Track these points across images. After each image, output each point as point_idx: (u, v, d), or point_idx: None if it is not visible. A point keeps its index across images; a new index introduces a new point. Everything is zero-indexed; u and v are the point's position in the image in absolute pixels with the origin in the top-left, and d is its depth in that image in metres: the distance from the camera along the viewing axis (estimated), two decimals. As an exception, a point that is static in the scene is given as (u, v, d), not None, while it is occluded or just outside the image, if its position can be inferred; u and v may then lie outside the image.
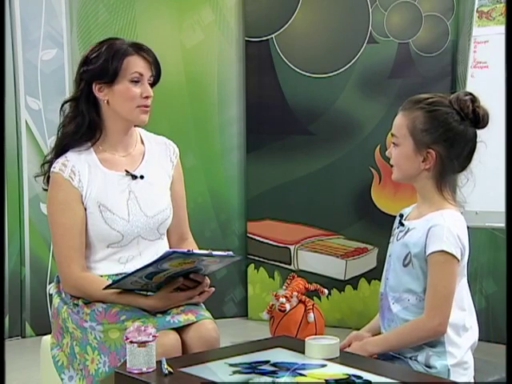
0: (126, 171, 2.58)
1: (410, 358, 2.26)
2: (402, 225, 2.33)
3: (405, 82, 4.44)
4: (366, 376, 2.00)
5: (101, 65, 2.53)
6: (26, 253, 4.56)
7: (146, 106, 2.55)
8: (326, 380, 1.97)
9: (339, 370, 2.04)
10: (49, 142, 4.54)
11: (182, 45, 4.83)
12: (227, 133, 4.95)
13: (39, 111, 4.53)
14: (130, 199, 2.56)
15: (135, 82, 2.53)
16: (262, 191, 4.87)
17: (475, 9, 4.02)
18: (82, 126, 2.57)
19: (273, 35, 4.77)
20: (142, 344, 2.09)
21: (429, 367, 2.23)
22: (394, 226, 2.39)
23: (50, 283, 4.54)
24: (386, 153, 2.36)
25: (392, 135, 2.32)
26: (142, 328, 2.12)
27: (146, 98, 2.54)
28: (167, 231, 2.68)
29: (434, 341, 2.23)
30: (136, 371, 2.07)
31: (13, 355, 4.02)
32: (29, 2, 4.47)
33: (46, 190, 2.62)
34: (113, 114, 2.56)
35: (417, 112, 2.28)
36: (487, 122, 2.30)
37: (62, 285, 2.57)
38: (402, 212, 2.41)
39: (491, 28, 3.93)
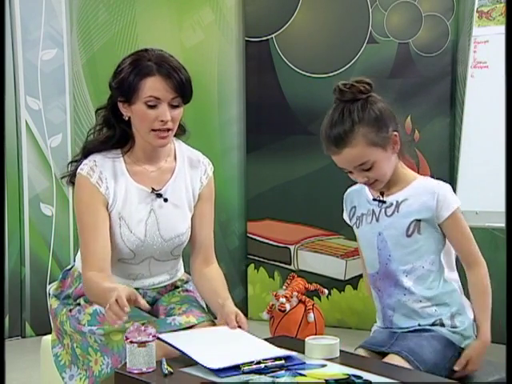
0: (152, 189, 2.51)
1: (434, 325, 2.31)
2: (383, 202, 2.34)
3: (405, 82, 4.44)
4: (366, 376, 2.00)
5: (120, 82, 2.43)
6: (26, 253, 4.56)
7: (163, 131, 2.43)
8: (326, 380, 1.97)
9: (339, 370, 2.04)
10: (49, 142, 4.55)
11: (182, 45, 4.83)
12: (227, 133, 4.95)
13: (39, 111, 4.53)
14: (150, 218, 2.49)
15: (151, 105, 2.41)
16: (262, 191, 4.87)
17: (475, 9, 4.02)
18: (113, 138, 2.51)
19: (273, 35, 4.77)
20: (142, 344, 2.09)
21: (455, 327, 2.31)
22: (367, 207, 2.39)
23: (50, 283, 4.54)
24: (359, 180, 2.33)
25: (358, 166, 2.28)
26: (142, 328, 2.12)
27: (163, 122, 2.42)
28: (191, 253, 2.61)
29: (449, 300, 2.34)
30: (136, 371, 2.07)
31: (13, 355, 4.02)
32: (29, 1, 4.47)
33: (72, 183, 2.55)
34: (136, 130, 2.50)
35: (358, 130, 2.27)
36: (371, 82, 2.35)
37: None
38: (350, 194, 2.47)
39: (491, 28, 3.93)
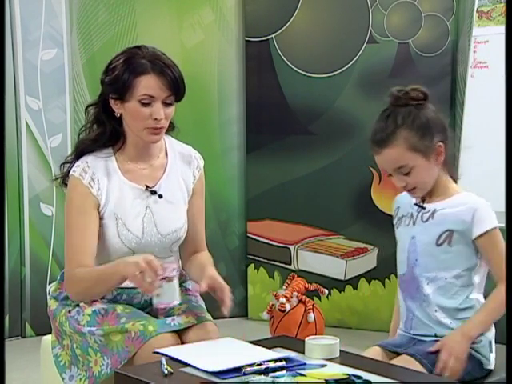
0: (146, 186, 2.52)
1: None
2: (423, 208, 2.36)
3: (405, 82, 4.36)
4: (366, 376, 2.00)
5: (114, 79, 2.45)
6: (26, 253, 4.56)
7: (155, 128, 2.45)
8: (326, 380, 1.97)
9: (339, 370, 2.04)
10: (49, 142, 4.55)
11: (182, 45, 4.83)
12: (227, 133, 4.95)
13: (39, 111, 4.53)
14: (146, 216, 2.50)
15: (145, 103, 2.43)
16: (262, 191, 4.87)
17: (475, 9, 4.02)
18: (104, 135, 2.52)
19: (273, 35, 4.77)
20: (170, 279, 2.17)
21: (474, 343, 2.30)
22: (408, 210, 2.41)
23: (50, 283, 4.54)
24: (397, 185, 2.34)
25: (397, 169, 2.31)
26: (165, 265, 2.22)
27: (156, 120, 2.44)
28: (183, 245, 2.62)
29: (466, 317, 2.32)
30: (163, 306, 2.25)
31: (13, 355, 4.02)
32: (29, 1, 4.47)
33: (65, 184, 2.56)
34: (128, 127, 2.51)
35: (400, 132, 2.29)
36: (426, 92, 2.36)
37: (68, 294, 2.52)
38: (400, 196, 2.47)
39: (491, 28, 3.93)
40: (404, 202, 2.45)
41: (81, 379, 2.46)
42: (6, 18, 4.32)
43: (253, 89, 4.87)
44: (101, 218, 2.48)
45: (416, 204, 2.39)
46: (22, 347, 4.36)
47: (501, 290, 2.29)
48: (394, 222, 2.48)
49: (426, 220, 2.36)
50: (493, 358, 2.36)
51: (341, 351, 2.20)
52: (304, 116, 4.72)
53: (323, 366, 2.09)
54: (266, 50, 4.78)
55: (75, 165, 2.51)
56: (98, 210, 2.48)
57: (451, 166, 2.40)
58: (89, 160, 2.51)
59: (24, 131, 4.50)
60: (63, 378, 2.51)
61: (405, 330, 2.41)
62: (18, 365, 3.97)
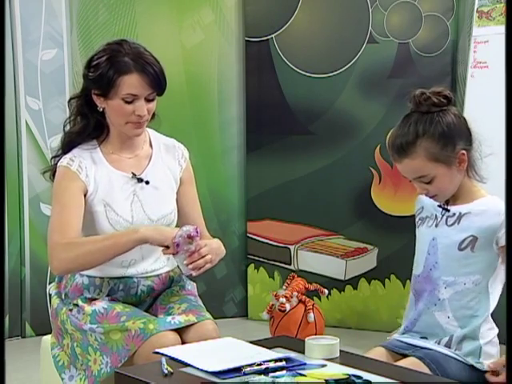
0: (133, 174, 2.57)
1: (439, 343, 2.29)
2: (447, 210, 2.33)
3: (405, 82, 4.44)
4: (366, 376, 2.00)
5: (97, 77, 2.49)
6: (26, 253, 4.56)
7: (138, 123, 2.51)
8: (326, 380, 1.97)
9: (339, 370, 2.04)
10: (49, 142, 4.54)
11: (182, 45, 4.82)
12: (227, 133, 4.95)
13: (39, 111, 4.53)
14: (134, 202, 2.55)
15: (128, 101, 2.48)
16: (262, 191, 4.87)
17: (475, 9, 4.02)
18: (87, 127, 2.57)
19: (273, 35, 4.76)
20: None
21: (459, 349, 2.27)
22: (431, 212, 2.37)
23: (50, 283, 4.54)
24: (418, 191, 2.31)
25: (417, 178, 2.27)
26: (185, 235, 2.35)
27: (139, 116, 2.49)
28: None
29: (473, 320, 2.29)
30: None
31: (13, 355, 4.02)
32: (29, 1, 4.47)
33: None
34: (110, 121, 2.57)
35: (421, 143, 2.24)
36: (450, 95, 2.31)
37: (51, 265, 2.50)
38: (422, 196, 2.41)
39: (491, 28, 3.93)
40: (428, 202, 2.40)
41: (80, 379, 2.46)
42: (6, 18, 4.32)
43: (253, 89, 4.86)
44: (90, 206, 2.52)
45: (440, 206, 2.34)
46: (22, 347, 4.36)
47: None
48: (416, 221, 2.44)
49: (452, 224, 2.31)
50: (488, 361, 2.29)
51: (341, 351, 2.20)
52: (304, 116, 4.72)
53: (323, 365, 2.09)
54: (266, 50, 4.78)
55: (63, 157, 2.56)
56: (85, 195, 2.52)
57: (476, 171, 2.33)
58: (74, 152, 2.56)
59: (24, 131, 4.50)
60: (62, 379, 2.51)
61: (404, 330, 2.40)
62: (18, 365, 3.97)
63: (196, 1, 4.87)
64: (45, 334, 2.73)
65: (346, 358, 2.16)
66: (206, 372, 2.02)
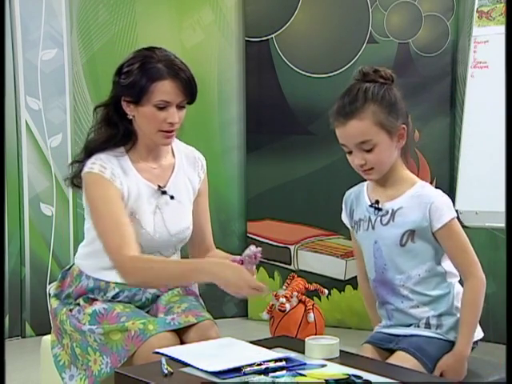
0: (159, 186, 2.54)
1: (418, 326, 2.31)
2: (379, 209, 2.34)
3: (405, 82, 4.40)
4: (366, 376, 2.00)
5: (129, 84, 2.44)
6: (26, 253, 4.56)
7: (169, 132, 2.48)
8: (326, 380, 1.97)
9: (339, 370, 2.04)
10: (49, 142, 4.55)
11: (182, 45, 4.82)
12: (227, 133, 4.95)
13: (39, 111, 4.53)
14: (157, 215, 2.52)
15: (160, 107, 2.45)
16: (262, 191, 4.87)
17: (475, 9, 4.02)
18: (117, 135, 2.52)
19: (273, 35, 4.77)
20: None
21: (440, 326, 2.31)
22: (364, 213, 2.38)
23: (50, 283, 4.55)
24: (356, 162, 2.33)
25: (359, 144, 2.29)
26: (253, 256, 2.48)
27: (171, 123, 2.47)
28: (191, 246, 2.66)
29: (443, 301, 2.32)
30: None
31: (13, 355, 4.02)
32: (29, 1, 4.47)
33: (78, 186, 2.54)
34: (140, 129, 2.52)
35: (369, 106, 2.27)
36: (393, 77, 2.35)
37: (121, 276, 2.42)
38: (349, 195, 2.47)
39: (491, 28, 3.93)
40: (358, 203, 2.42)
41: (81, 379, 2.46)
42: (6, 17, 4.32)
43: (253, 89, 4.87)
44: None
45: (371, 205, 2.36)
46: (22, 347, 4.36)
47: (471, 290, 2.28)
48: (351, 225, 2.46)
49: (386, 223, 2.33)
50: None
51: (341, 351, 2.20)
52: (304, 116, 4.72)
53: (323, 366, 2.09)
54: (266, 50, 4.78)
55: (89, 162, 2.48)
56: (122, 200, 2.47)
57: (407, 156, 2.36)
58: (102, 157, 2.49)
59: (24, 131, 4.50)
60: (63, 378, 2.51)
61: (387, 330, 2.40)
62: (18, 365, 3.97)
63: (196, 1, 4.87)
64: (45, 334, 2.73)
65: (345, 358, 2.16)
66: (206, 372, 2.02)
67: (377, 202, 2.35)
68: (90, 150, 2.52)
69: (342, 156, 5.01)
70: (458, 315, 2.32)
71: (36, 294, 4.57)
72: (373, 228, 2.36)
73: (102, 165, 2.47)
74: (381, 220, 2.34)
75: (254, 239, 4.89)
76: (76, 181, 2.55)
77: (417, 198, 2.30)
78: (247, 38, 4.84)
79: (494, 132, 3.57)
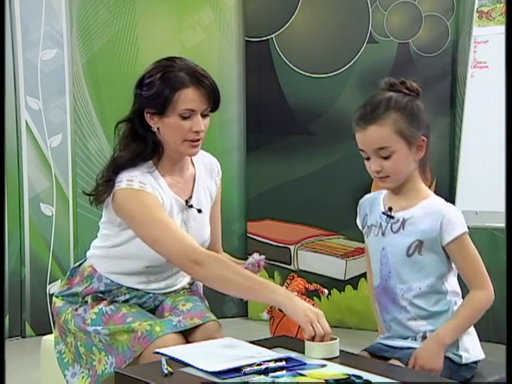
0: (186, 201, 2.51)
1: (415, 339, 2.29)
2: (391, 217, 2.33)
3: (405, 82, 4.44)
4: (366, 376, 2.00)
5: (152, 95, 2.40)
6: (26, 253, 4.56)
7: (195, 141, 2.45)
8: (326, 380, 1.96)
9: (339, 370, 2.04)
10: (49, 142, 4.55)
11: (182, 45, 4.83)
12: (227, 133, 4.95)
13: (39, 111, 4.53)
14: (182, 228, 2.48)
15: (185, 117, 2.41)
16: (262, 191, 4.87)
17: (475, 9, 4.02)
18: (146, 149, 2.46)
19: (273, 35, 4.77)
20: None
21: None
22: (376, 220, 2.38)
23: (50, 283, 4.55)
24: (372, 168, 2.30)
25: (377, 150, 2.27)
26: (256, 264, 2.48)
27: (196, 132, 2.44)
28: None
29: (441, 317, 2.29)
30: None
31: (13, 355, 4.02)
32: (29, 1, 4.48)
33: (101, 202, 2.47)
34: (165, 141, 2.48)
35: (391, 113, 2.26)
36: (420, 90, 2.34)
37: (191, 270, 2.35)
38: (365, 201, 2.47)
39: (491, 28, 3.93)
40: (372, 208, 2.42)
41: (83, 377, 2.46)
42: (6, 17, 4.32)
43: (253, 89, 4.87)
44: None
45: (384, 213, 2.35)
46: (22, 347, 4.36)
47: (474, 297, 2.27)
48: (363, 231, 2.46)
49: (397, 231, 2.32)
50: (466, 354, 2.30)
51: (341, 351, 2.20)
52: (304, 116, 4.72)
53: (323, 366, 2.09)
54: (266, 49, 4.78)
55: (125, 178, 2.41)
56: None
57: (426, 170, 2.34)
58: (137, 174, 2.43)
59: (24, 131, 4.50)
60: (65, 375, 2.50)
61: (385, 341, 2.40)
62: (18, 365, 3.97)
63: (196, 1, 4.87)
64: (45, 334, 2.73)
65: (345, 358, 2.16)
66: (206, 372, 2.02)
67: (390, 209, 2.35)
68: (117, 167, 2.45)
69: (342, 156, 5.02)
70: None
71: (36, 294, 4.57)
72: (383, 234, 2.35)
73: (141, 181, 2.41)
74: (391, 227, 2.33)
75: (254, 239, 4.90)
76: (103, 198, 2.46)
77: (429, 210, 2.28)
78: (247, 38, 4.84)
79: (494, 132, 3.57)
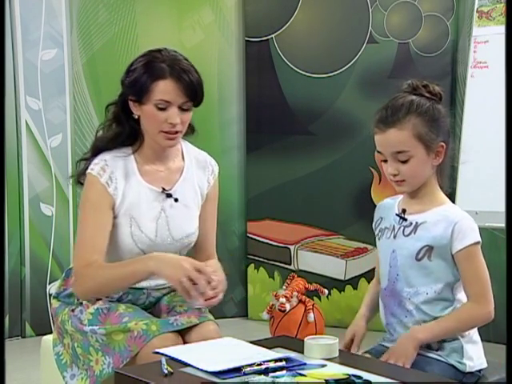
0: (163, 188, 2.52)
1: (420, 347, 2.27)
2: (404, 219, 2.33)
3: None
4: (366, 376, 2.00)
5: (133, 81, 2.44)
6: (26, 253, 4.56)
7: (170, 133, 2.45)
8: (326, 380, 1.96)
9: (339, 370, 2.04)
10: (49, 142, 4.55)
11: (182, 45, 4.82)
12: (227, 133, 4.95)
13: (39, 111, 4.53)
14: (161, 218, 2.50)
15: (161, 108, 2.42)
16: (262, 191, 4.88)
17: (475, 9, 4.02)
18: (122, 134, 2.52)
19: (273, 35, 4.77)
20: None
21: (441, 349, 2.27)
22: (390, 222, 2.37)
23: (50, 283, 4.55)
24: (389, 171, 2.29)
25: (395, 153, 2.26)
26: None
27: (172, 124, 2.44)
28: (195, 251, 2.63)
29: None
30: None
31: (13, 355, 4.02)
32: (29, 1, 4.48)
33: (81, 183, 2.54)
34: (145, 129, 2.51)
35: (411, 117, 2.25)
36: (442, 94, 2.34)
37: (75, 290, 2.48)
38: (382, 205, 2.44)
39: (491, 28, 3.94)
40: (388, 212, 2.40)
41: (82, 378, 2.46)
42: (6, 17, 4.32)
43: (253, 89, 4.87)
44: (115, 217, 2.47)
45: (397, 215, 2.34)
46: (21, 347, 4.36)
47: (465, 306, 2.27)
48: (376, 233, 2.44)
49: (408, 234, 2.31)
50: (470, 362, 2.29)
51: (340, 351, 2.20)
52: (304, 116, 4.72)
53: (323, 366, 2.09)
54: (266, 50, 4.78)
55: (93, 162, 2.49)
56: (113, 209, 2.47)
57: (443, 176, 2.35)
58: (107, 158, 2.49)
59: (24, 131, 4.50)
60: (64, 377, 2.50)
61: (388, 340, 2.39)
62: (18, 365, 3.97)
63: (196, 1, 4.88)
64: (45, 334, 2.73)
65: (345, 358, 2.16)
66: (206, 372, 2.02)
67: (403, 211, 2.34)
68: (97, 148, 2.53)
69: (342, 156, 5.02)
70: (461, 339, 2.29)
71: (36, 294, 4.57)
72: (394, 237, 2.35)
73: (102, 167, 2.47)
74: (403, 230, 2.33)
75: (254, 239, 4.90)
76: (82, 178, 2.54)
77: (442, 216, 2.27)
78: (247, 38, 4.84)
79: (494, 132, 3.57)
